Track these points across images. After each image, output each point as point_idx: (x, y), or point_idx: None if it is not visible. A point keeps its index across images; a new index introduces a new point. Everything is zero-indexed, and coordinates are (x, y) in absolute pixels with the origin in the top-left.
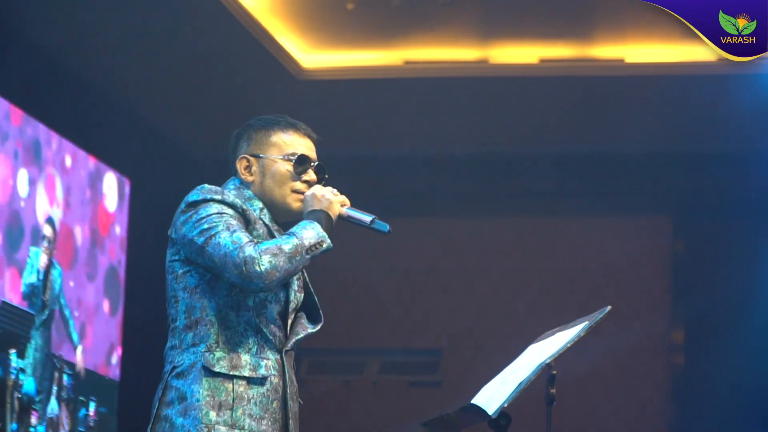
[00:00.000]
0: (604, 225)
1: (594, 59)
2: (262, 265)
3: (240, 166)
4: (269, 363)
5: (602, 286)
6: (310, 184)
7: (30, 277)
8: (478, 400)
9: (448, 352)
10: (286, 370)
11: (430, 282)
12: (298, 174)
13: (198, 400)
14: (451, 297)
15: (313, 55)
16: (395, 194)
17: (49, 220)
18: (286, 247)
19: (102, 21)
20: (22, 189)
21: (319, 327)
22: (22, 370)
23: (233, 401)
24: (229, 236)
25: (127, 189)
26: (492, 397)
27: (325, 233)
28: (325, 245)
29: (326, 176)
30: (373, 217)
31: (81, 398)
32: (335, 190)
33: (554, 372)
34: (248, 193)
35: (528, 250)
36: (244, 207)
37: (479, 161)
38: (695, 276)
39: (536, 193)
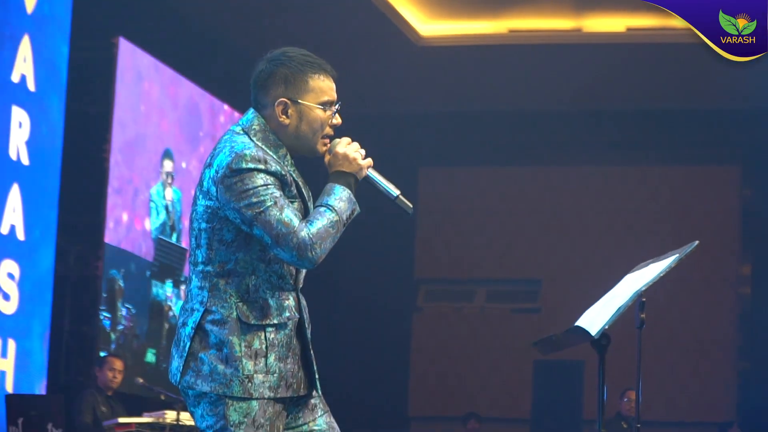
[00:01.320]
0: (681, 173)
1: (673, 28)
2: (314, 251)
3: (278, 109)
4: (291, 304)
5: (679, 226)
6: (334, 127)
7: (158, 219)
8: (582, 322)
9: (546, 282)
10: (302, 305)
11: (531, 222)
12: (329, 120)
13: (237, 352)
14: (549, 235)
15: (430, 24)
16: (500, 146)
17: (167, 153)
18: (332, 228)
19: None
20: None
21: None
22: (170, 297)
23: (266, 349)
24: (279, 215)
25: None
26: (594, 320)
27: (355, 200)
28: (355, 213)
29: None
30: (399, 193)
31: None
32: (362, 150)
33: (644, 299)
34: (273, 137)
35: (615, 195)
36: (283, 172)
37: (573, 117)
38: (761, 218)
39: (621, 145)
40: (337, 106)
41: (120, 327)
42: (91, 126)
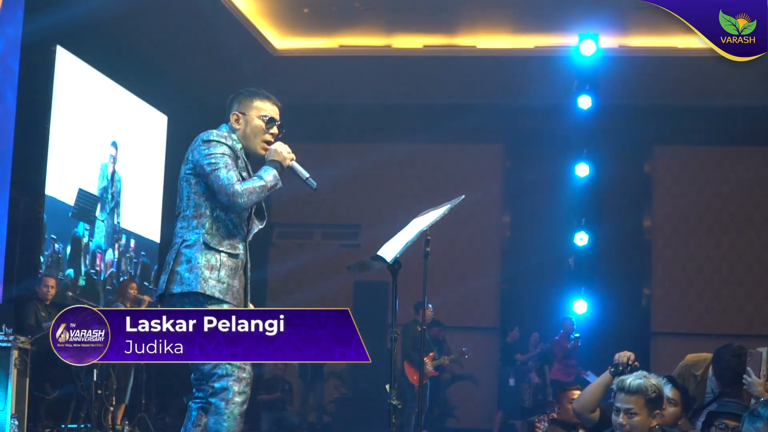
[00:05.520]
0: (462, 149)
1: (458, 46)
2: (242, 198)
3: (232, 118)
4: (240, 246)
5: (459, 187)
6: (275, 137)
7: (102, 182)
8: (381, 252)
9: (364, 226)
10: (247, 252)
11: (354, 184)
12: (267, 129)
13: (199, 263)
14: (366, 193)
15: (282, 40)
16: (333, 129)
17: (114, 143)
18: (258, 188)
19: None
20: (98, 122)
21: (265, 223)
22: (90, 231)
23: (219, 265)
24: (226, 173)
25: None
26: (389, 250)
27: (279, 177)
28: (278, 185)
29: (283, 131)
30: (308, 175)
31: (132, 252)
32: (289, 149)
33: (429, 237)
34: (234, 137)
35: (415, 165)
36: (235, 148)
37: (386, 108)
38: (517, 182)
39: (419, 129)
40: (277, 123)
41: (47, 253)
42: (36, 110)
